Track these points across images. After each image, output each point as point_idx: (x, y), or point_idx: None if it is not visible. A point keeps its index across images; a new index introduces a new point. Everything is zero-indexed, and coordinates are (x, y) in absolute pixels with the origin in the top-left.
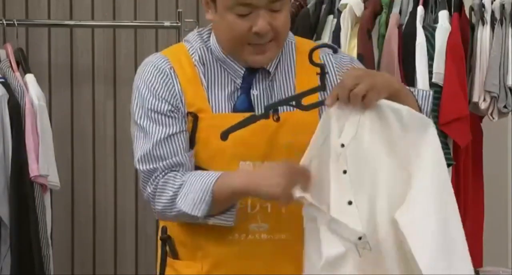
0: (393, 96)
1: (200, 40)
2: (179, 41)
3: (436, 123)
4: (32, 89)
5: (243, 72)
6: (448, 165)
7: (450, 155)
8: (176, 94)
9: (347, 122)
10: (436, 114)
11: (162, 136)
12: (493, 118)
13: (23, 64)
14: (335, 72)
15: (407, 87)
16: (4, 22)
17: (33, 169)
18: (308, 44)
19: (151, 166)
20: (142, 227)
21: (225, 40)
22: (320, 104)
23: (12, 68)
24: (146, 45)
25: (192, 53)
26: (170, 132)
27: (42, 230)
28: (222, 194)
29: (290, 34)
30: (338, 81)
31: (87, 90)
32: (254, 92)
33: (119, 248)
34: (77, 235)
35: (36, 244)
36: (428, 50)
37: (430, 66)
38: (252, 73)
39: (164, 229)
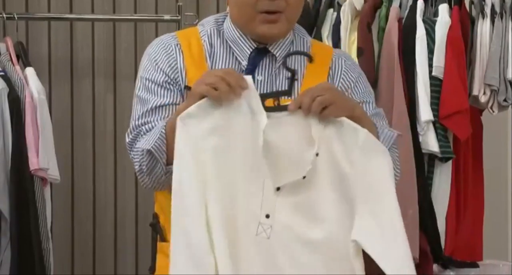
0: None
1: (214, 23)
2: None
3: (436, 116)
4: (32, 83)
5: (249, 52)
6: (448, 159)
7: (450, 148)
8: (177, 68)
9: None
10: (436, 107)
11: (155, 105)
12: (493, 112)
13: (23, 57)
14: (340, 77)
15: (375, 120)
16: (4, 15)
17: (33, 163)
18: (324, 46)
19: (136, 131)
20: (142, 221)
21: (237, 11)
22: (282, 108)
23: (12, 62)
24: (146, 38)
25: (203, 35)
26: (163, 102)
27: (42, 223)
28: (171, 124)
29: (305, 32)
30: (342, 87)
31: (87, 84)
32: (259, 77)
33: (119, 242)
34: (77, 229)
35: (36, 237)
36: (428, 44)
37: (430, 59)
38: (259, 55)
39: (154, 215)
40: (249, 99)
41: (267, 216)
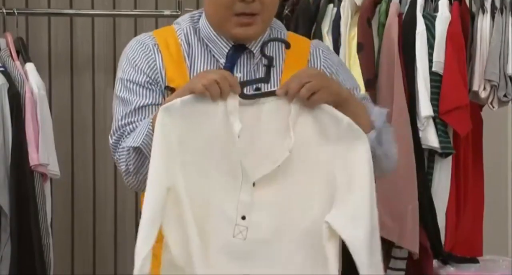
0: (340, 105)
1: (189, 21)
2: None
3: (436, 112)
4: (32, 78)
5: (227, 50)
6: (448, 154)
7: (450, 144)
8: (156, 68)
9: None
10: (436, 103)
11: (137, 106)
12: (493, 107)
13: (23, 53)
14: (320, 66)
15: (363, 103)
16: (4, 11)
17: (33, 158)
18: (301, 38)
19: (120, 132)
20: None
21: (213, 11)
22: (268, 94)
23: (12, 57)
24: None
25: (179, 34)
26: (145, 103)
27: (42, 219)
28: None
29: (282, 26)
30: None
31: (87, 79)
32: (238, 74)
33: (119, 237)
34: (77, 224)
35: (36, 233)
36: (428, 39)
37: (430, 55)
38: (236, 53)
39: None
40: (230, 100)
41: (243, 218)
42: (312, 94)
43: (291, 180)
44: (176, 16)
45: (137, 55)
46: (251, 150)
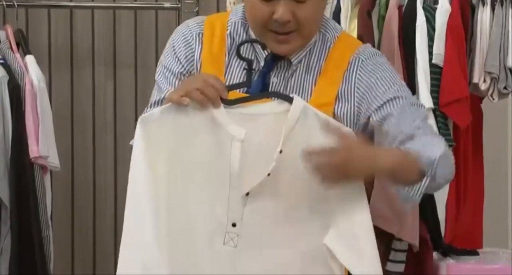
0: (385, 176)
1: (242, 14)
2: (179, 23)
3: (436, 104)
4: (32, 71)
5: (266, 55)
6: (448, 147)
7: (450, 136)
8: (193, 59)
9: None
10: (436, 95)
11: (166, 95)
12: (493, 99)
13: (23, 45)
14: (354, 82)
15: (413, 156)
16: (4, 3)
17: (33, 151)
18: (348, 43)
19: None
20: None
21: (250, 22)
22: (251, 99)
23: (12, 50)
24: (146, 26)
25: (229, 25)
26: None
27: (42, 211)
28: None
29: (334, 27)
30: (355, 93)
31: (87, 72)
32: (274, 79)
33: (119, 228)
34: (77, 217)
35: (36, 225)
36: (428, 31)
37: (430, 47)
38: (275, 58)
39: None
40: (215, 110)
41: (234, 225)
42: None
43: (285, 190)
44: (176, 9)
45: (179, 41)
46: (243, 158)
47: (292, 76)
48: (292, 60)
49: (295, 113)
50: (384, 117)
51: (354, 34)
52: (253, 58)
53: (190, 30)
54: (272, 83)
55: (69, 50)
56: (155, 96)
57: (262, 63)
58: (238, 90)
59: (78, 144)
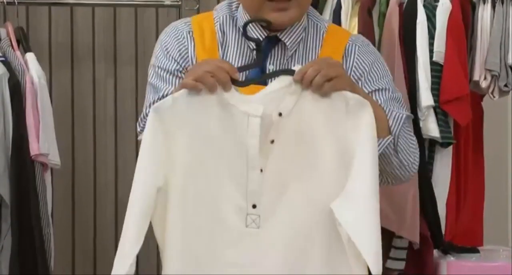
0: None
1: (227, 9)
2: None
3: (436, 101)
4: (33, 68)
5: (261, 39)
6: (449, 144)
7: (451, 134)
8: (188, 56)
9: (289, 91)
10: (436, 92)
11: (165, 94)
12: (494, 97)
13: (24, 42)
14: (352, 66)
15: (379, 104)
16: (5, 0)
17: (34, 148)
18: (340, 32)
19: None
20: None
21: None
22: (263, 79)
23: (12, 47)
24: (147, 24)
25: (216, 22)
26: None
27: (43, 208)
28: None
29: (321, 17)
30: (354, 75)
31: (88, 69)
32: (270, 66)
33: (119, 225)
34: (78, 214)
35: (36, 223)
36: (428, 29)
37: (431, 44)
38: (270, 44)
39: None
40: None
41: (254, 206)
42: (327, 81)
43: (299, 162)
44: (177, 6)
45: (170, 42)
46: (262, 135)
47: (291, 62)
48: (287, 43)
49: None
50: None
51: (355, 32)
52: (245, 47)
53: (180, 30)
54: (269, 70)
55: (69, 48)
56: (151, 97)
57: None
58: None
59: (79, 141)
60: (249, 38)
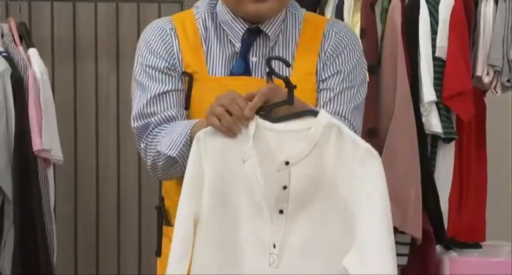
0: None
1: (207, 5)
2: None
3: (439, 97)
4: (35, 63)
5: (242, 34)
6: (451, 139)
7: (453, 129)
8: (174, 53)
9: (306, 136)
10: (439, 88)
11: (157, 92)
12: (497, 92)
13: (26, 38)
14: (328, 48)
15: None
16: None
17: (36, 144)
18: (318, 19)
19: (145, 121)
20: (145, 200)
21: None
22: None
23: (15, 42)
24: (149, 19)
25: (197, 18)
26: (165, 89)
27: (45, 204)
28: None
29: (298, 6)
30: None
31: (90, 65)
32: (253, 58)
33: (122, 221)
34: (80, 209)
35: (39, 218)
36: (431, 24)
37: (434, 40)
38: (251, 36)
39: (161, 199)
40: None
41: (274, 246)
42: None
43: (319, 205)
44: (179, 2)
45: (155, 40)
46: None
47: (273, 51)
48: (269, 34)
49: (318, 129)
50: (325, 86)
51: (357, 27)
52: (227, 42)
53: (162, 27)
54: (252, 62)
55: (72, 43)
56: (142, 96)
57: (238, 44)
58: (221, 73)
59: (81, 136)
60: (276, 75)
